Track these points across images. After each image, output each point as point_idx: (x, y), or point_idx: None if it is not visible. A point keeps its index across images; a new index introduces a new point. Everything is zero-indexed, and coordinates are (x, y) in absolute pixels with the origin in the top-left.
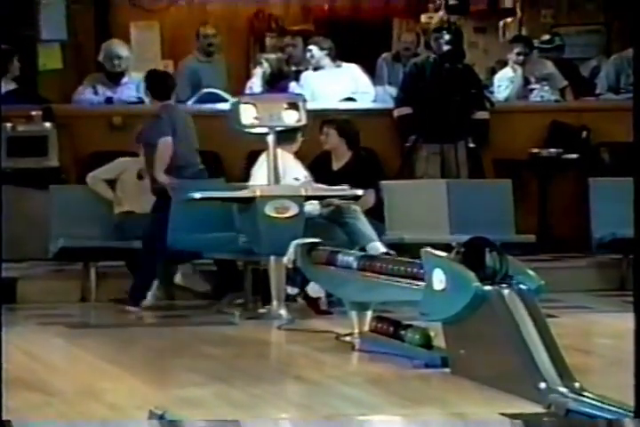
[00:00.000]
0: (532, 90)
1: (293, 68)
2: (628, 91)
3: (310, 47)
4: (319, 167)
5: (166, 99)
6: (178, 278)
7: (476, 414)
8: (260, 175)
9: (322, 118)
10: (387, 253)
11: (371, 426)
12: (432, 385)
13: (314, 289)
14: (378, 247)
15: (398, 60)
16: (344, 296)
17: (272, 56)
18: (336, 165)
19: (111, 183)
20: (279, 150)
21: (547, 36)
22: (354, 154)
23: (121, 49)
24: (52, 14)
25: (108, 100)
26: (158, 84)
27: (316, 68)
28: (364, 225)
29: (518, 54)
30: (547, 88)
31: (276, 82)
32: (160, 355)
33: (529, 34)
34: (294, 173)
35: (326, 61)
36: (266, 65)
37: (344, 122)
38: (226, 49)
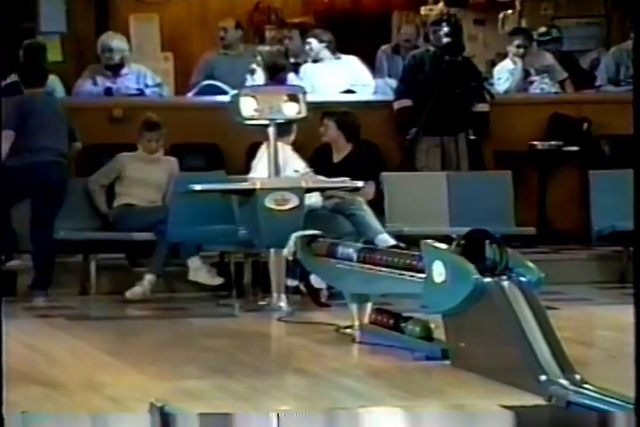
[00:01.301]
0: (531, 82)
1: (292, 61)
2: (628, 83)
3: (309, 40)
4: (320, 159)
5: (33, 87)
6: (190, 275)
7: (476, 407)
8: (260, 167)
9: (322, 111)
10: (396, 246)
11: (371, 418)
12: (432, 377)
13: (317, 279)
14: (387, 240)
15: (398, 53)
16: (344, 288)
17: (265, 48)
18: (336, 158)
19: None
20: (278, 142)
21: (543, 28)
22: (354, 146)
23: (114, 41)
24: (51, 6)
25: (108, 91)
26: (27, 72)
27: (315, 61)
28: (371, 217)
29: (518, 47)
30: (547, 80)
31: (273, 74)
32: (160, 347)
33: (529, 26)
34: (294, 164)
35: (326, 54)
36: (259, 58)
37: (343, 114)
38: None
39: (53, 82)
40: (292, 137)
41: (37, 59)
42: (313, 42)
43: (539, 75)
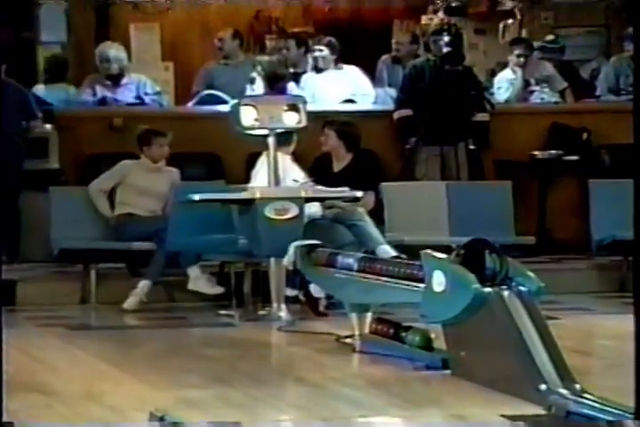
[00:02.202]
0: (532, 92)
1: (291, 70)
2: (628, 92)
3: (322, 47)
4: (320, 169)
5: None
6: (190, 284)
7: (476, 416)
8: (259, 177)
9: (322, 120)
10: (397, 257)
11: None
12: (433, 387)
13: (316, 288)
14: (388, 251)
15: (398, 62)
16: (344, 298)
17: (265, 58)
18: (337, 167)
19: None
20: (278, 152)
21: (551, 37)
22: (354, 156)
23: (111, 51)
24: (51, 16)
25: (102, 101)
26: None
27: (317, 70)
28: (372, 228)
29: (518, 56)
30: (547, 90)
31: (273, 84)
32: (160, 357)
33: (529, 36)
34: (293, 174)
35: (328, 63)
36: (259, 68)
37: (344, 124)
38: None
39: (69, 90)
40: (291, 147)
41: (62, 72)
42: (325, 50)
43: (539, 84)
